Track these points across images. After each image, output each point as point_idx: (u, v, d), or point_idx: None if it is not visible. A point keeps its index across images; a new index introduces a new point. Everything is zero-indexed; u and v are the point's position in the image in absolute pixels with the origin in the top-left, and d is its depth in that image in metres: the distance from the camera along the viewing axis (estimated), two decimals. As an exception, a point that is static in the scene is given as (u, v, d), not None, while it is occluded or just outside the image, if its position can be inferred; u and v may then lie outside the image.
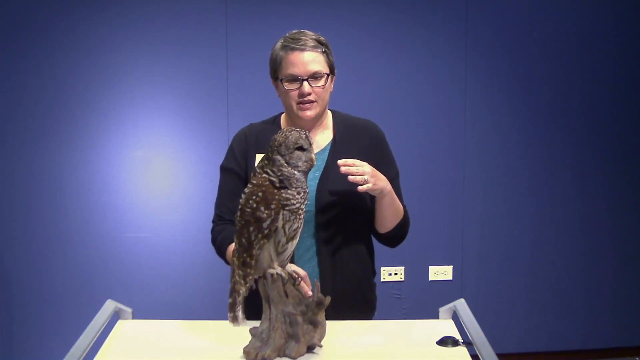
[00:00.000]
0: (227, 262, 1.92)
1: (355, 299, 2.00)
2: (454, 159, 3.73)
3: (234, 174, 2.00)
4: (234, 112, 3.55)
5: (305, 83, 1.89)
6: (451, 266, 3.77)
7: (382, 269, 3.67)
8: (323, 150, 1.99)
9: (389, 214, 1.95)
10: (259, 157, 1.95)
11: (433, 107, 3.69)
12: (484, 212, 3.78)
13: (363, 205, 1.97)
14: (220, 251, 1.96)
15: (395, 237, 2.02)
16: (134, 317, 1.91)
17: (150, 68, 3.51)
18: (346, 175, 1.90)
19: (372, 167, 1.83)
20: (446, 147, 3.72)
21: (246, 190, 1.57)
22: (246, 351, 1.59)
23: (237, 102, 3.55)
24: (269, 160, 1.57)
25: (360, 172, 1.80)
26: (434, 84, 3.69)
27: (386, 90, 3.65)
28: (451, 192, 3.74)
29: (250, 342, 1.60)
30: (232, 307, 1.56)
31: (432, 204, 3.72)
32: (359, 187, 1.80)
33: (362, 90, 3.61)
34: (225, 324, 1.82)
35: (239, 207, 1.56)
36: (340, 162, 1.80)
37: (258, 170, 1.58)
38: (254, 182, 1.56)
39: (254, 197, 1.54)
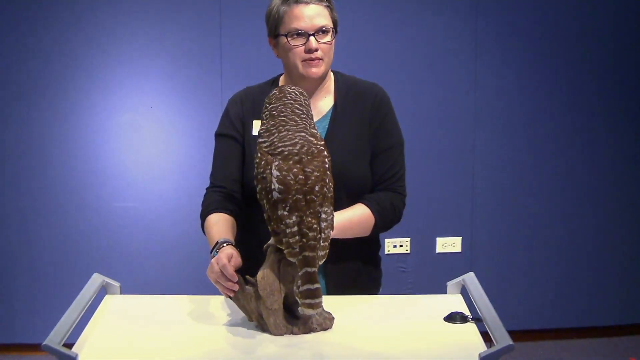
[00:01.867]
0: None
1: (360, 275, 2.01)
2: (462, 121, 3.71)
3: (231, 139, 1.98)
4: (227, 73, 3.52)
5: (312, 38, 1.86)
6: (460, 238, 3.78)
7: (386, 240, 3.67)
8: (324, 117, 1.97)
9: (352, 235, 1.91)
10: (256, 123, 1.93)
11: (441, 68, 3.66)
12: (496, 179, 3.77)
13: (366, 175, 1.96)
14: (203, 218, 1.95)
15: (380, 232, 2.00)
16: (122, 292, 1.92)
17: (137, 25, 3.47)
18: (349, 143, 1.91)
19: None
20: (455, 108, 3.69)
21: (325, 154, 1.61)
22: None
23: (231, 63, 3.52)
24: (311, 118, 1.67)
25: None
26: (443, 43, 3.64)
27: (391, 50, 3.62)
28: (460, 158, 3.73)
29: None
30: (318, 293, 1.51)
31: (440, 170, 3.71)
32: None
33: (365, 52, 3.57)
34: (219, 298, 1.84)
35: (326, 170, 1.60)
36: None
37: (316, 131, 1.65)
38: (323, 142, 1.64)
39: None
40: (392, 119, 2.01)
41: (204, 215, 1.94)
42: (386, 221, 1.96)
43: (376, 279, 2.09)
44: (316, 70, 1.90)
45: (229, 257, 1.65)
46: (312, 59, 1.88)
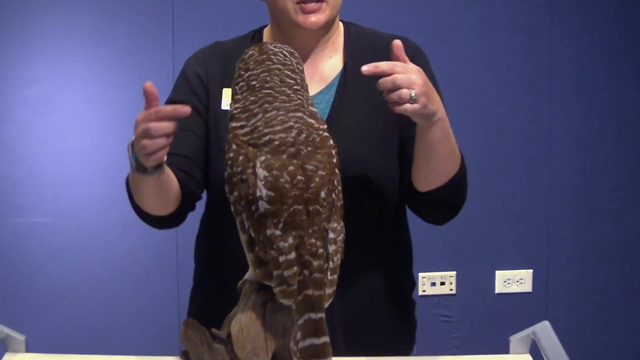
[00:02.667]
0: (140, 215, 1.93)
1: (382, 326, 2.02)
2: (536, 112, 3.75)
3: (190, 108, 1.98)
4: (182, 27, 3.54)
5: None
6: (530, 271, 3.80)
7: (420, 275, 3.69)
8: (329, 86, 1.99)
9: (440, 155, 1.85)
10: (227, 92, 1.94)
11: (509, 42, 3.72)
12: (580, 191, 3.80)
13: (392, 166, 1.97)
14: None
15: (445, 201, 1.96)
16: (28, 349, 1.92)
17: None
18: (364, 122, 1.92)
19: (424, 76, 1.70)
20: (523, 88, 3.74)
21: (331, 144, 1.60)
22: None
23: (187, 12, 3.55)
24: (307, 91, 1.67)
25: (405, 80, 1.65)
26: (513, 10, 3.71)
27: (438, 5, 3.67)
28: (532, 159, 3.76)
29: None
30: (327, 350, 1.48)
31: (504, 176, 3.75)
32: (399, 107, 1.66)
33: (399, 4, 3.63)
34: None
35: (334, 168, 1.58)
36: (364, 68, 1.67)
37: (315, 110, 1.64)
38: (326, 126, 1.63)
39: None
40: (433, 84, 2.01)
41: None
42: (461, 188, 1.97)
43: (408, 333, 2.11)
44: (315, 19, 1.90)
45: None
46: (309, 1, 1.89)
